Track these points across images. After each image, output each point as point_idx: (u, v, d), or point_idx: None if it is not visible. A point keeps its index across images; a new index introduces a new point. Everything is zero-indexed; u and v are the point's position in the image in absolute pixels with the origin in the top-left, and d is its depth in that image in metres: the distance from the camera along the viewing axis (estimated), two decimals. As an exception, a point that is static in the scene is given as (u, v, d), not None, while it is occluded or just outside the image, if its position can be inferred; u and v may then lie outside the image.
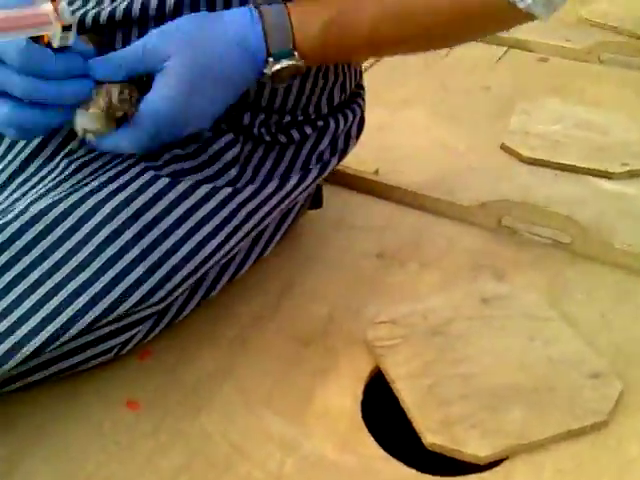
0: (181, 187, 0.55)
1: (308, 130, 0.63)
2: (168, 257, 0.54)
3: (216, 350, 0.62)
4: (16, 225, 0.50)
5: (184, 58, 0.50)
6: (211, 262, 0.57)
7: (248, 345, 0.62)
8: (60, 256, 0.51)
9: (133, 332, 0.57)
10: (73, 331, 0.50)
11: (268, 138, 0.61)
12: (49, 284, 0.50)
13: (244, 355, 0.61)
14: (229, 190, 0.57)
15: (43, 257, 0.50)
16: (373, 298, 0.67)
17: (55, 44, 0.48)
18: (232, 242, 0.58)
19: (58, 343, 0.50)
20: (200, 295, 0.61)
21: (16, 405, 0.55)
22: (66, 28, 0.47)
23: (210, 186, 0.56)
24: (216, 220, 0.56)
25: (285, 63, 0.52)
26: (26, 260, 0.50)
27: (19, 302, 0.49)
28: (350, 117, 0.66)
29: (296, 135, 0.63)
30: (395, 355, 0.61)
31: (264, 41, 0.51)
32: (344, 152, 0.67)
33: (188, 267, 0.55)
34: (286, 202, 0.62)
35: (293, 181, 0.62)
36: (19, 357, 0.49)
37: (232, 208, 0.57)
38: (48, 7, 0.46)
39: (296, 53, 0.52)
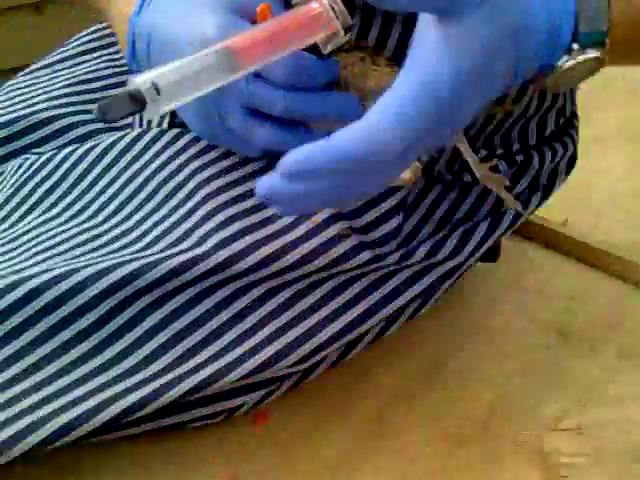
0: (337, 249, 0.44)
1: (503, 166, 0.49)
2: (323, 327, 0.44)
3: (344, 430, 0.49)
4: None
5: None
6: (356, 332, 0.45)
7: (383, 431, 0.49)
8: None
9: (247, 397, 0.46)
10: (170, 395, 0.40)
11: (449, 177, 0.48)
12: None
13: (377, 444, 0.48)
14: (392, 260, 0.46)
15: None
16: (553, 392, 0.51)
17: (327, 50, 0.38)
18: (386, 312, 0.46)
19: (156, 404, 0.40)
20: (331, 359, 0.49)
21: (104, 458, 0.46)
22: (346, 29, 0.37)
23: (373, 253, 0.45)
24: (376, 296, 0.45)
25: (590, 55, 0.35)
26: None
27: (127, 353, 0.41)
28: (560, 152, 0.52)
29: None
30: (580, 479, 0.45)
31: (574, 18, 0.34)
32: (546, 195, 0.52)
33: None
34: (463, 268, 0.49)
35: (475, 241, 0.48)
36: (112, 411, 0.40)
37: (394, 286, 0.46)
38: (324, 4, 0.36)
39: (607, 42, 0.36)
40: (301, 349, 0.43)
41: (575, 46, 0.35)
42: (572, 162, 0.55)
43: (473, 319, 0.58)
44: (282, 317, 0.43)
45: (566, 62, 0.35)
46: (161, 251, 0.42)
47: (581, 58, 0.35)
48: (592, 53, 0.35)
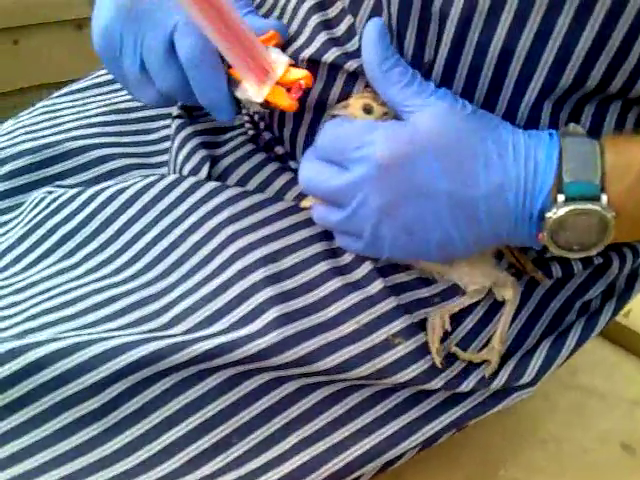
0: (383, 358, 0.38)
1: (576, 267, 0.43)
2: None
3: None
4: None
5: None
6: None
7: None
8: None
9: None
10: None
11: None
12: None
13: None
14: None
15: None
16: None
17: (244, 102, 0.39)
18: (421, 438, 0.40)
19: None
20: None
21: None
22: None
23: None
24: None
25: (583, 206, 0.32)
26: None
27: (133, 448, 0.35)
28: None
29: (556, 271, 0.42)
30: None
31: (556, 165, 0.33)
32: (622, 303, 0.45)
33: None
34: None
35: (538, 360, 0.41)
36: None
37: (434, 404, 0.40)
38: (280, 68, 0.38)
39: (604, 197, 0.32)
40: (327, 466, 0.37)
41: (561, 197, 0.33)
42: None
43: (524, 426, 0.52)
44: (311, 424, 0.37)
45: (554, 214, 0.33)
46: (186, 332, 0.36)
47: (567, 210, 0.32)
48: (585, 205, 0.32)
